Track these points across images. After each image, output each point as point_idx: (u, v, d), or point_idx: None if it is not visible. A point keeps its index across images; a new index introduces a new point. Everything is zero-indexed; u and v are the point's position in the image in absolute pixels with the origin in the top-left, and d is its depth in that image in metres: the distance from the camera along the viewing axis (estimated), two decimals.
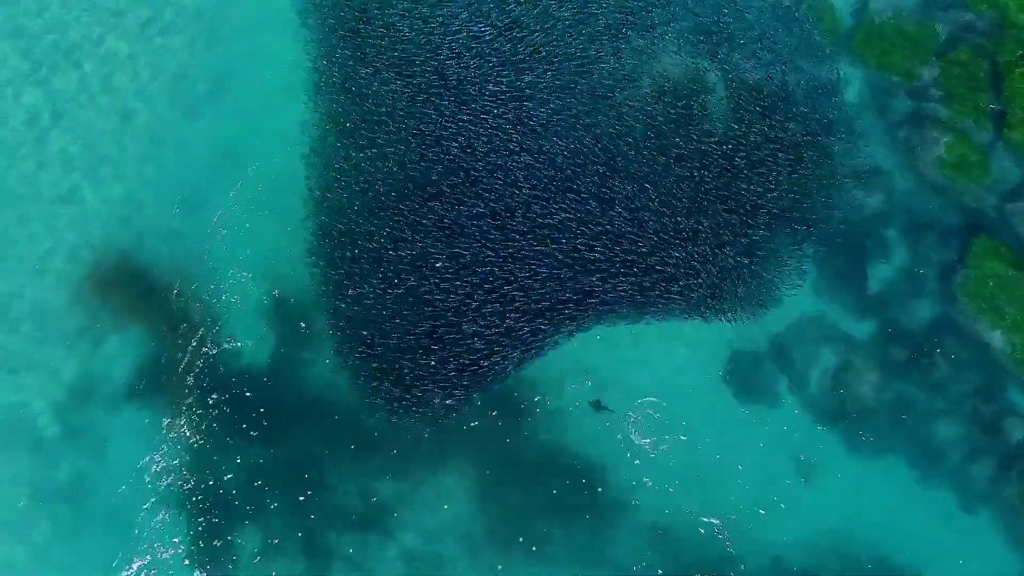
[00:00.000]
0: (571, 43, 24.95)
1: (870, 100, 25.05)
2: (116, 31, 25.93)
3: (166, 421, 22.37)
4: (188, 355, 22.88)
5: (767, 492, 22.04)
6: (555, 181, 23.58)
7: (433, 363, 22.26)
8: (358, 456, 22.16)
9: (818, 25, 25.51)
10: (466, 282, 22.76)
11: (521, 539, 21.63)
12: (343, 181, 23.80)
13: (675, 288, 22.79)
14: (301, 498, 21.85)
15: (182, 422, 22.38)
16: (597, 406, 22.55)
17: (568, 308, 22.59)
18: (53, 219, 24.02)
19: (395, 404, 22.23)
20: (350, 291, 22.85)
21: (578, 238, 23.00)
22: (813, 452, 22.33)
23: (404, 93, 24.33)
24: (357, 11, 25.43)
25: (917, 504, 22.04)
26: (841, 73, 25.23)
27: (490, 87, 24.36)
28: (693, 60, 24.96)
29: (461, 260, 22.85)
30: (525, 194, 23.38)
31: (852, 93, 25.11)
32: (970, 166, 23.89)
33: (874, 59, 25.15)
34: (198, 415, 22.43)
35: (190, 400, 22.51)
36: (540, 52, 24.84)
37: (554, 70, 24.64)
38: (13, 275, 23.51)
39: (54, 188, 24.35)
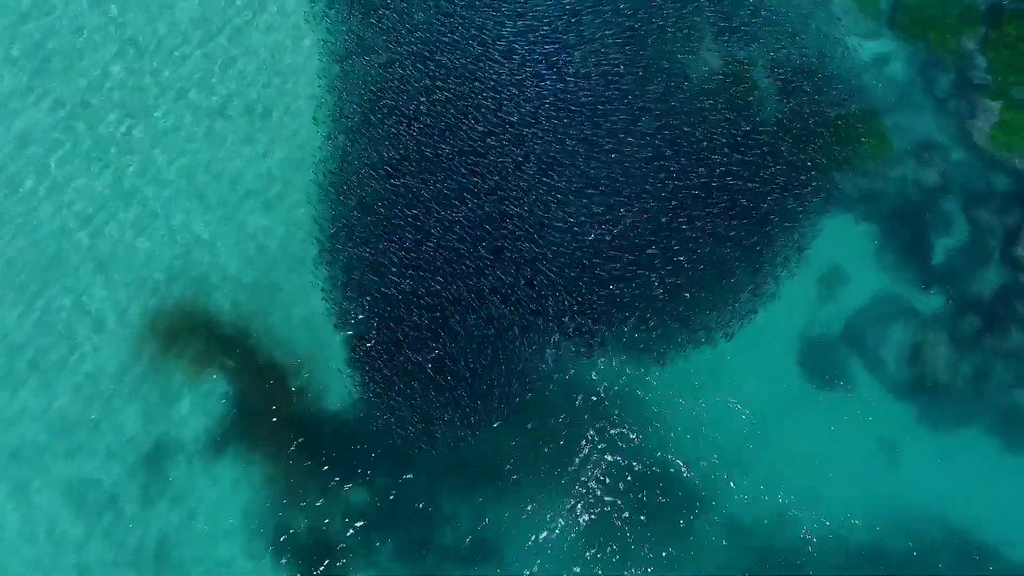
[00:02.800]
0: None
1: (916, 74, 24.97)
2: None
3: (250, 470, 21.71)
4: (268, 402, 22.23)
5: (846, 474, 21.77)
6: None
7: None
8: (454, 486, 21.75)
9: (857, 1, 25.45)
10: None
11: (610, 547, 21.23)
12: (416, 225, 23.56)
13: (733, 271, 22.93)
14: (404, 537, 21.32)
15: (267, 470, 21.71)
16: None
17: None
18: (107, 268, 23.22)
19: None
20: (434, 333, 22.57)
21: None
22: (892, 430, 22.14)
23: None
24: None
25: (1000, 475, 21.83)
26: (884, 48, 25.17)
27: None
28: (729, 47, 24.91)
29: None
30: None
31: (897, 68, 25.03)
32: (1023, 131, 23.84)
33: (917, 32, 25.10)
34: (285, 461, 21.76)
35: (274, 447, 21.88)
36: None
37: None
38: (67, 329, 22.63)
39: (109, 235, 23.54)
